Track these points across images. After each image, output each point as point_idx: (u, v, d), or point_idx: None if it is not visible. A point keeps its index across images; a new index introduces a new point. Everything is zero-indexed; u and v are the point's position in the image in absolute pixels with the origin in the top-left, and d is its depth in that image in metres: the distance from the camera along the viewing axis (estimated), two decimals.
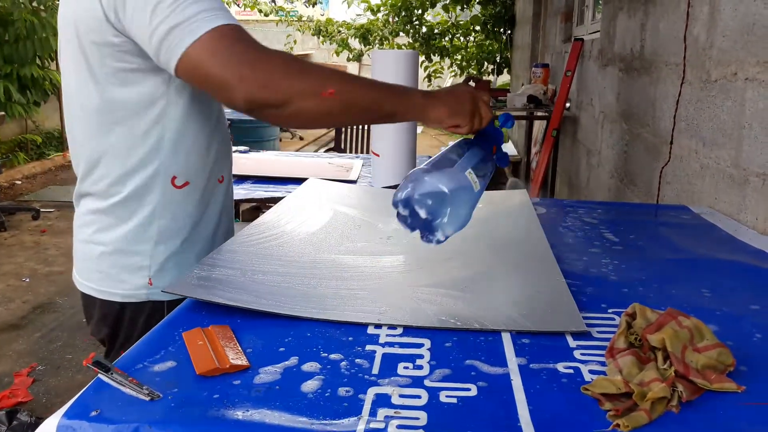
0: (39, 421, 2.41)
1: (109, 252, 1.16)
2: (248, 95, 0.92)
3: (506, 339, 0.85)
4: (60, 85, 5.75)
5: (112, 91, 1.06)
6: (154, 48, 0.97)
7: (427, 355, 0.80)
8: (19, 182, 6.57)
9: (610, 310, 0.96)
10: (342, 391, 0.71)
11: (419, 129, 9.11)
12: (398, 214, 0.97)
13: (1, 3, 6.09)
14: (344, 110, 0.99)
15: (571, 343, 0.85)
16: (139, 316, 1.18)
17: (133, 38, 1.00)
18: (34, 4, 6.45)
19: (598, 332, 0.88)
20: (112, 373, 0.71)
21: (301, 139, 10.14)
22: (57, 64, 7.49)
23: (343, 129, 4.65)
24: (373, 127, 1.96)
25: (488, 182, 1.07)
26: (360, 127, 4.66)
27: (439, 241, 0.96)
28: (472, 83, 4.91)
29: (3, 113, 5.63)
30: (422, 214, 0.92)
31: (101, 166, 1.12)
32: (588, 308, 0.97)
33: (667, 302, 0.96)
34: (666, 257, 1.25)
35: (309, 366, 0.77)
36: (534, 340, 0.85)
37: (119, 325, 1.20)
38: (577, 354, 0.81)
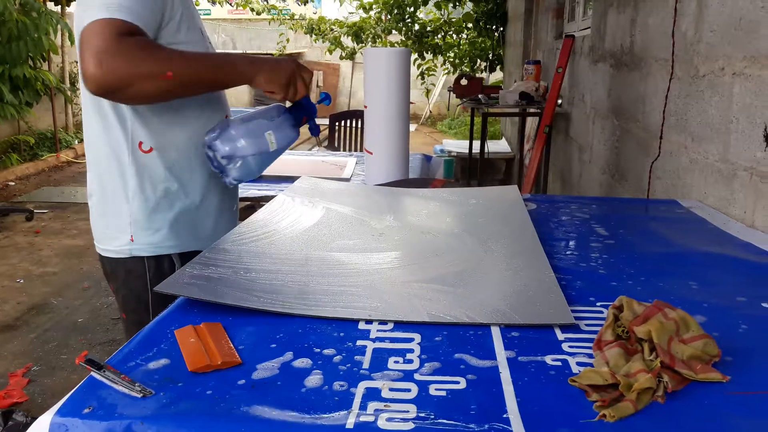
0: (35, 420, 2.41)
1: (100, 213, 1.35)
2: (96, 83, 1.10)
3: (495, 332, 0.86)
4: (52, 86, 5.70)
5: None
6: (78, 21, 1.15)
7: (417, 350, 0.81)
8: (13, 183, 6.55)
9: (598, 303, 0.97)
10: (333, 385, 0.72)
11: (413, 127, 9.10)
12: (206, 151, 1.29)
13: None
14: (181, 88, 1.18)
15: (560, 336, 0.86)
16: (129, 272, 1.34)
17: None
18: (27, 7, 6.42)
19: (587, 325, 0.89)
20: (104, 371, 0.72)
21: None
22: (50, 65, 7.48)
23: (337, 128, 4.66)
24: (366, 125, 1.97)
25: (288, 145, 1.31)
26: (354, 125, 4.67)
27: (231, 183, 1.27)
28: (464, 81, 4.90)
29: None
30: (218, 158, 1.21)
31: (87, 134, 1.32)
32: (577, 302, 0.98)
33: (655, 295, 0.97)
34: (655, 251, 1.26)
35: (300, 362, 0.78)
36: (523, 333, 0.86)
37: (116, 279, 1.38)
38: (565, 347, 0.82)
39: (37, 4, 6.12)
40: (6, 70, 6.19)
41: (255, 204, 2.67)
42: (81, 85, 1.23)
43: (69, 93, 7.78)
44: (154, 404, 0.68)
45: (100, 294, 3.75)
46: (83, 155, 7.73)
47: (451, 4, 8.46)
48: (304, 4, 10.47)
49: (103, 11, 1.10)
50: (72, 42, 7.10)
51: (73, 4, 7.40)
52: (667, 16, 2.15)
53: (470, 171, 5.58)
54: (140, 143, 1.28)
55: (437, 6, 8.57)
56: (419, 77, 8.90)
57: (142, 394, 0.69)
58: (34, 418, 2.51)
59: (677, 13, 2.06)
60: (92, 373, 0.72)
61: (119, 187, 1.31)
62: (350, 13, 10.30)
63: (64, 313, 3.52)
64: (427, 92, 9.71)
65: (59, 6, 7.10)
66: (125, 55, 1.10)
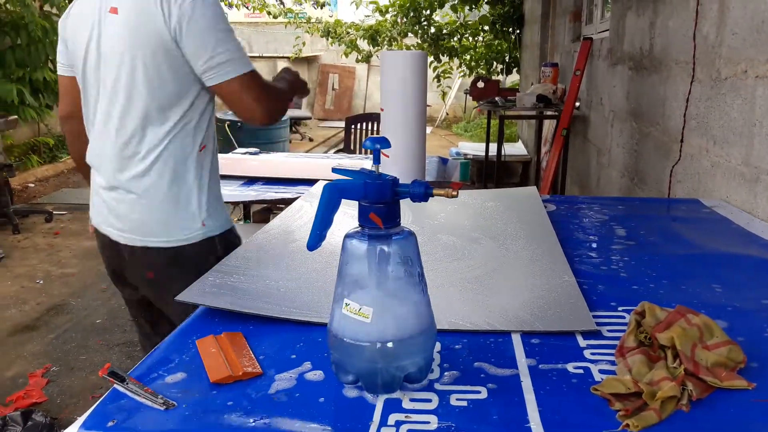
0: (54, 421, 2.44)
1: (170, 209, 1.51)
2: (265, 121, 1.51)
3: (516, 339, 0.85)
4: None
5: (160, 83, 1.44)
6: (206, 66, 1.42)
7: (437, 358, 0.80)
8: (32, 185, 6.63)
9: (620, 308, 0.96)
10: (353, 396, 0.72)
11: (428, 130, 9.10)
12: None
13: (12, 7, 6.15)
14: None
15: (582, 342, 0.85)
16: (199, 254, 1.51)
17: (184, 52, 1.41)
18: (46, 8, 6.50)
19: (609, 331, 0.88)
20: (127, 383, 0.71)
21: (311, 140, 10.16)
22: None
23: (353, 131, 4.68)
24: (383, 128, 1.97)
25: (408, 268, 0.72)
26: (370, 128, 4.69)
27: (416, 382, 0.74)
28: (481, 83, 4.88)
29: (16, 116, 5.68)
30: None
31: (149, 143, 1.48)
32: (598, 307, 0.96)
33: (678, 299, 0.96)
34: (677, 253, 1.24)
35: (320, 372, 0.77)
36: (544, 340, 0.85)
37: (178, 264, 1.51)
38: (587, 354, 0.81)
39: (64, 8, 6.17)
40: (26, 74, 6.27)
41: (272, 207, 2.68)
42: (129, 101, 1.45)
43: None
44: (178, 416, 0.68)
45: (118, 295, 3.76)
46: None
47: (467, 7, 8.44)
48: (321, 8, 10.51)
49: (246, 64, 1.46)
50: None
51: None
52: (688, 19, 2.12)
53: (486, 174, 5.56)
54: (203, 146, 1.53)
55: (453, 9, 8.56)
56: (435, 80, 8.89)
57: (165, 407, 0.69)
58: (53, 419, 2.54)
59: (698, 16, 2.03)
60: (115, 386, 0.72)
61: (196, 179, 1.52)
62: (366, 16, 10.31)
63: (82, 314, 3.55)
64: (443, 95, 9.70)
65: None
66: (276, 98, 1.55)
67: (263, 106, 1.48)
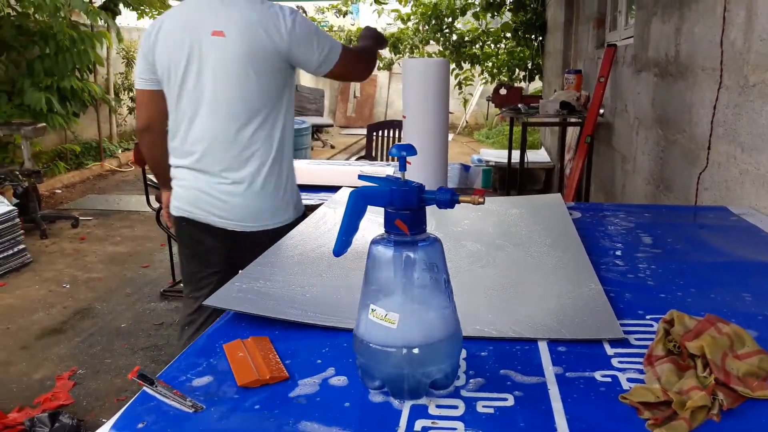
0: (80, 423, 2.47)
1: (277, 196, 1.85)
2: (367, 77, 2.07)
3: (542, 347, 0.85)
4: (99, 98, 5.89)
5: (268, 94, 1.78)
6: (318, 62, 1.80)
7: (463, 365, 0.80)
8: (59, 191, 6.73)
9: (647, 317, 0.95)
10: (379, 401, 0.72)
11: (450, 136, 9.10)
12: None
13: (41, 17, 6.27)
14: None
15: (609, 350, 0.84)
16: (286, 232, 1.68)
17: (294, 62, 1.80)
18: (74, 18, 6.61)
19: (636, 339, 0.87)
20: (156, 386, 0.72)
21: (333, 147, 10.19)
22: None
23: (374, 138, 4.70)
24: (405, 136, 1.97)
25: (433, 271, 0.72)
26: (391, 135, 4.70)
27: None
28: (503, 90, 4.87)
29: (44, 124, 5.78)
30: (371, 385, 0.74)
31: (265, 134, 1.80)
32: (625, 315, 0.96)
33: (707, 307, 0.94)
34: (705, 261, 1.23)
35: (344, 378, 0.78)
36: (571, 348, 0.84)
37: (272, 245, 1.59)
38: (614, 362, 0.81)
39: (92, 14, 6.24)
40: (54, 82, 6.38)
41: None
42: (249, 114, 1.77)
43: (113, 104, 7.97)
44: (206, 419, 0.69)
45: (142, 300, 3.82)
46: (126, 164, 7.93)
47: (489, 14, 8.43)
48: (343, 16, 10.57)
49: (337, 44, 1.84)
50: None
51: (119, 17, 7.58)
52: (715, 25, 2.10)
53: (509, 181, 5.53)
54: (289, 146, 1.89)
55: (475, 16, 8.56)
56: (457, 87, 8.89)
57: (193, 409, 0.70)
58: (80, 420, 2.56)
59: (726, 22, 2.01)
60: (144, 388, 0.73)
61: (287, 171, 1.87)
62: (388, 24, 10.35)
63: (108, 318, 3.59)
64: (464, 102, 9.68)
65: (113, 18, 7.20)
66: (369, 56, 2.04)
67: (363, 69, 1.99)
